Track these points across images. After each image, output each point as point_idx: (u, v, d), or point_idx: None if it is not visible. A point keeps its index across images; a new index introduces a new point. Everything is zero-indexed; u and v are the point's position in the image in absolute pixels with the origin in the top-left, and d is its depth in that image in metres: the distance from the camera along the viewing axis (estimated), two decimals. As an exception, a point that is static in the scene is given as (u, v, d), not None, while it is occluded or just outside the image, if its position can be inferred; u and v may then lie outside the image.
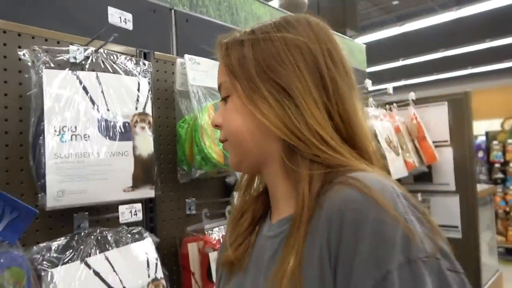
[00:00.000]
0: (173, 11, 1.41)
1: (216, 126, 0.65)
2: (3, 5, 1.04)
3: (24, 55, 0.91)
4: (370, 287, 0.44)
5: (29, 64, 0.92)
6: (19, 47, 0.94)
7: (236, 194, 0.78)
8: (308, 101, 0.56)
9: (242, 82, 0.59)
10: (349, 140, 0.58)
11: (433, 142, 2.31)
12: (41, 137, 0.87)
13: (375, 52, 11.43)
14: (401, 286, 0.43)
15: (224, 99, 0.63)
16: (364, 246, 0.45)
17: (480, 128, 8.23)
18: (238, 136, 0.60)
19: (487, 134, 6.24)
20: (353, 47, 2.60)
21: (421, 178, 2.42)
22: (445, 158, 2.33)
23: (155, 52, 1.22)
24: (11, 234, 0.82)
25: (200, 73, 1.14)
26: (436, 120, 2.34)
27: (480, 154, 6.23)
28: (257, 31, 0.61)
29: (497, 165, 6.01)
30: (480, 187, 3.31)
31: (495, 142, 6.02)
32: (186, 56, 1.13)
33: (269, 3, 2.12)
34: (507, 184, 5.89)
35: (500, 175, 5.99)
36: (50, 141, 0.86)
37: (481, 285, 2.35)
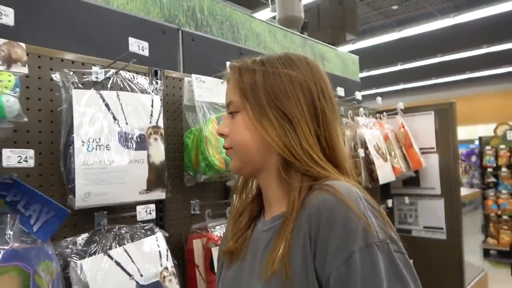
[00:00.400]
0: (180, 31, 1.57)
1: (221, 135, 0.79)
2: (38, 34, 1.19)
3: (55, 76, 1.07)
4: (339, 264, 0.60)
5: (60, 84, 1.08)
6: (51, 69, 1.10)
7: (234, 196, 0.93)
8: (304, 129, 0.72)
9: (253, 105, 0.74)
10: (332, 160, 0.74)
11: (420, 149, 2.47)
12: (71, 147, 1.02)
13: (374, 57, 11.56)
14: (361, 263, 0.59)
15: (231, 113, 0.78)
16: (335, 236, 0.62)
17: (477, 132, 8.38)
18: (246, 148, 0.75)
19: (480, 139, 6.38)
20: (346, 59, 2.76)
21: (409, 183, 2.57)
22: (432, 163, 2.49)
23: (165, 70, 1.38)
24: (44, 233, 0.96)
25: (205, 90, 1.30)
26: (423, 128, 2.49)
27: (473, 158, 6.39)
28: (266, 63, 0.76)
29: (489, 169, 6.15)
30: (470, 191, 3.48)
31: (488, 147, 6.16)
32: (193, 75, 1.29)
33: (262, 17, 2.27)
34: (499, 188, 6.03)
35: (492, 179, 6.13)
36: (79, 151, 1.02)
37: (465, 283, 2.49)
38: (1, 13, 0.80)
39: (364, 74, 12.75)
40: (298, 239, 0.66)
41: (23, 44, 0.90)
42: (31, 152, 0.87)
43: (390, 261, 0.61)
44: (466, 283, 2.54)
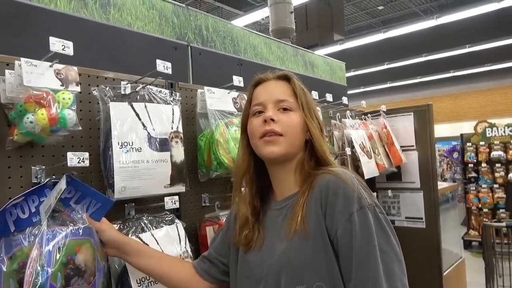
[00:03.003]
0: (189, 47, 1.80)
1: (272, 120, 1.00)
2: (78, 56, 1.41)
3: (94, 91, 1.29)
4: (344, 221, 0.88)
5: (98, 97, 1.30)
6: (89, 84, 1.32)
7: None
8: (322, 131, 1.05)
9: (305, 107, 1.03)
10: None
11: (401, 146, 2.72)
12: (110, 150, 1.24)
13: (361, 56, 11.86)
14: (358, 219, 0.87)
15: (283, 108, 1.02)
16: (339, 203, 0.90)
17: (461, 129, 8.73)
18: (295, 138, 1.01)
19: (462, 136, 6.72)
20: (334, 65, 3.01)
21: (392, 177, 2.82)
22: (412, 160, 2.74)
23: (179, 82, 1.61)
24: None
25: (216, 100, 1.53)
26: (403, 128, 2.74)
27: (455, 155, 6.73)
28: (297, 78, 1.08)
29: (470, 165, 6.50)
30: (448, 184, 3.75)
31: (468, 144, 6.51)
32: (205, 87, 1.52)
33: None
34: (479, 183, 6.37)
35: (473, 174, 6.48)
36: (117, 153, 1.24)
37: (442, 268, 2.76)
38: (64, 46, 1.02)
39: (352, 73, 13.11)
40: (311, 207, 0.94)
41: (75, 68, 1.12)
42: (86, 154, 1.10)
43: (376, 217, 0.89)
44: (444, 268, 2.81)
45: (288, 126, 1.00)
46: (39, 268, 0.85)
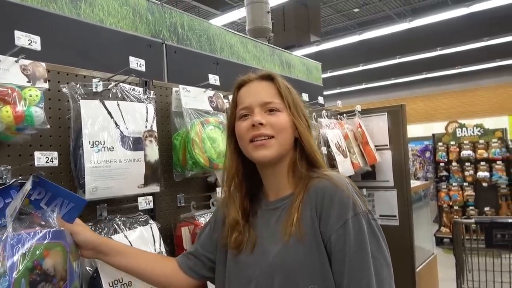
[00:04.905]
0: (164, 45, 1.77)
1: (261, 124, 0.99)
2: (47, 52, 1.36)
3: (64, 88, 1.25)
4: (338, 228, 0.89)
5: (68, 95, 1.25)
6: (58, 81, 1.28)
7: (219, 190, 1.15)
8: (310, 129, 1.04)
9: (292, 106, 1.01)
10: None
11: (376, 146, 2.77)
12: (80, 149, 1.20)
13: (337, 58, 12.01)
14: (353, 225, 0.89)
15: (270, 110, 1.01)
16: (335, 208, 0.91)
17: (432, 129, 8.96)
18: (286, 139, 1.01)
19: (433, 136, 6.91)
20: (310, 66, 3.03)
21: (367, 176, 2.86)
22: (386, 159, 2.79)
23: (153, 80, 1.58)
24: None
25: (191, 98, 1.51)
26: (378, 128, 2.79)
27: (428, 154, 6.91)
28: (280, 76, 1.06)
29: (442, 164, 6.69)
30: (420, 183, 3.84)
31: (440, 143, 6.70)
32: (180, 86, 1.50)
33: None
34: (450, 181, 6.56)
35: (444, 173, 6.67)
36: (88, 152, 1.20)
37: (415, 264, 2.82)
38: (31, 40, 0.98)
39: (328, 74, 13.27)
40: (306, 211, 0.94)
41: (43, 64, 1.08)
42: (55, 154, 1.06)
43: (369, 224, 0.91)
44: (417, 265, 2.87)
45: (278, 127, 0.99)
46: (0, 274, 0.81)
